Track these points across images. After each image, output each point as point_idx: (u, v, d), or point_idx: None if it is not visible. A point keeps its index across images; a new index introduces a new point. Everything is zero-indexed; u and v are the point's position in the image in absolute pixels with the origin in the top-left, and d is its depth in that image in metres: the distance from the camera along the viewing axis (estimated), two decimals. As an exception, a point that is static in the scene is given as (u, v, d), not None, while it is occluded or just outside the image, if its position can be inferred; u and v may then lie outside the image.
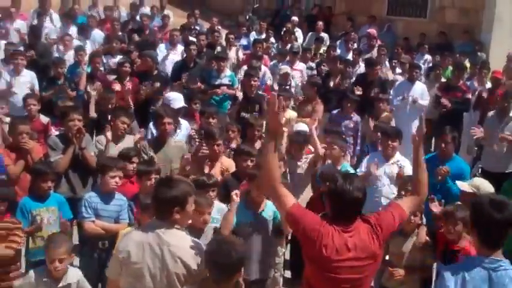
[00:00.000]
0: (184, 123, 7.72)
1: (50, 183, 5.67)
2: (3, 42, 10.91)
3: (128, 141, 6.82)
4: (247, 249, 3.90)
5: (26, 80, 8.94)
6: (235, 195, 5.17)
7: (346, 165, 6.74)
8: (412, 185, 4.33)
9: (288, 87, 10.40)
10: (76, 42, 11.36)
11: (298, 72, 11.28)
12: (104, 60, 10.53)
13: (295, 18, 15.97)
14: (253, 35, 14.21)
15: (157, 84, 9.18)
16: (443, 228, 5.18)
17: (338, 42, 14.08)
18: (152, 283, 3.65)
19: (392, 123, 8.75)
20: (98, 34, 12.58)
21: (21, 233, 5.23)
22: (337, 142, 6.72)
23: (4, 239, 5.09)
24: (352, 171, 6.43)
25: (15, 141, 6.34)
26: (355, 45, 13.40)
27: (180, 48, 11.60)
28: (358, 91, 9.41)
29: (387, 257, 5.41)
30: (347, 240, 3.67)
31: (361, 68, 11.55)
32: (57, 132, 7.11)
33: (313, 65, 12.03)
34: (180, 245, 3.68)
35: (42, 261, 5.39)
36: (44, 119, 7.72)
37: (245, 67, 10.82)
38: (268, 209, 5.43)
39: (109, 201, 5.57)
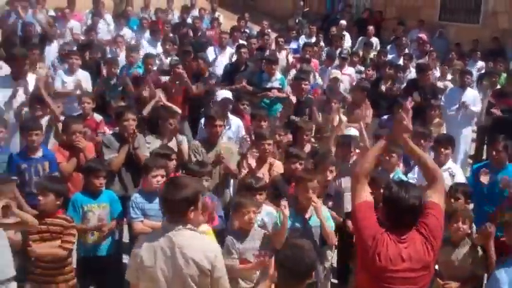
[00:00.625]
0: (235, 120, 7.72)
1: (102, 180, 5.74)
2: (60, 41, 11.21)
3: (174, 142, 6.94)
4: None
5: (78, 80, 9.08)
6: (284, 207, 5.11)
7: (398, 172, 6.62)
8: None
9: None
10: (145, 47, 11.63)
11: (347, 77, 11.20)
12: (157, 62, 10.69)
13: (343, 22, 15.90)
14: (302, 39, 14.20)
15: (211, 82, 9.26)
16: (506, 237, 5.02)
17: (389, 47, 13.96)
18: (167, 286, 3.66)
19: (443, 130, 8.61)
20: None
21: (74, 231, 5.32)
22: (396, 150, 6.64)
23: (58, 236, 5.18)
24: (404, 178, 6.33)
25: (68, 140, 6.49)
26: (406, 50, 13.26)
27: (229, 51, 11.69)
28: (416, 97, 9.28)
29: (436, 267, 5.32)
30: (401, 251, 3.64)
31: (411, 73, 11.43)
32: (110, 131, 7.20)
33: (362, 69, 11.96)
34: (191, 245, 3.67)
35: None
36: (98, 117, 7.88)
37: (294, 71, 10.84)
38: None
39: (153, 200, 5.59)
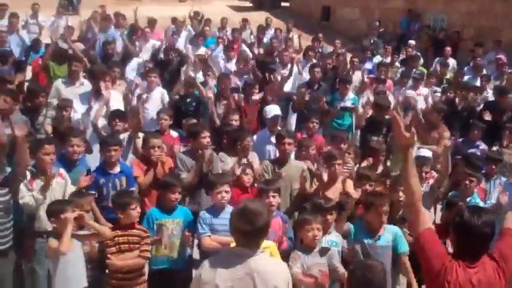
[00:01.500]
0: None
1: (177, 195, 5.89)
2: (139, 60, 11.62)
3: (252, 157, 7.07)
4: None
5: (158, 97, 9.35)
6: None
7: (475, 197, 6.47)
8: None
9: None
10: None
11: (422, 97, 11.05)
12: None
13: (412, 42, 15.68)
14: (377, 59, 14.10)
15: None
16: None
17: (466, 68, 13.67)
18: None
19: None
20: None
21: (149, 240, 5.49)
22: (477, 175, 6.48)
23: (135, 247, 5.36)
24: (481, 204, 6.18)
25: (147, 154, 6.71)
26: (484, 71, 12.94)
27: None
28: (487, 116, 9.07)
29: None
30: (471, 276, 3.55)
31: (489, 94, 11.16)
32: (183, 148, 7.38)
33: (438, 89, 11.76)
34: (269, 271, 3.66)
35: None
36: (174, 133, 8.09)
37: (368, 91, 10.79)
38: (388, 234, 5.39)
39: (220, 215, 5.68)
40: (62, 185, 5.87)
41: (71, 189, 5.92)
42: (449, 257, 3.63)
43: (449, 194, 6.85)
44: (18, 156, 5.49)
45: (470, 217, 3.59)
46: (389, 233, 5.41)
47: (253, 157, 7.11)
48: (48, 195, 5.64)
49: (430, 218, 3.89)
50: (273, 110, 8.06)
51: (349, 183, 6.55)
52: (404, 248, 5.42)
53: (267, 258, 3.76)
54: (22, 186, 5.60)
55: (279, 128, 7.92)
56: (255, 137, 8.15)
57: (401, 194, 5.97)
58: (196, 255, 6.29)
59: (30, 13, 14.49)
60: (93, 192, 6.03)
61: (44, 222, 5.51)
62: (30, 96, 8.08)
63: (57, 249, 4.85)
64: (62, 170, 6.02)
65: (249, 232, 3.64)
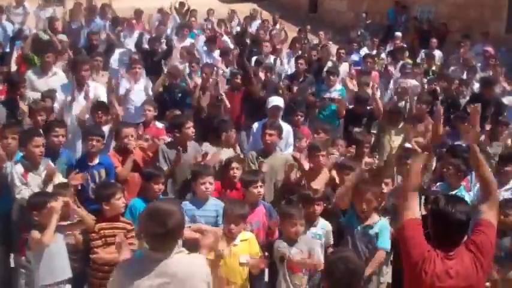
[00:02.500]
0: (285, 126, 7.65)
1: (161, 186, 5.87)
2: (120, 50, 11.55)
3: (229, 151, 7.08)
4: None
5: (142, 88, 9.32)
6: None
7: (462, 189, 6.48)
8: (482, 187, 4.03)
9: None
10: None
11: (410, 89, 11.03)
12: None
13: (398, 34, 15.69)
14: (364, 51, 14.10)
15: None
16: None
17: (452, 60, 13.69)
18: None
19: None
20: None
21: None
22: (462, 166, 6.49)
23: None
24: (467, 196, 6.16)
25: (121, 144, 6.65)
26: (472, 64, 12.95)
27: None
28: (474, 107, 9.05)
29: (488, 284, 5.15)
30: (449, 267, 3.57)
31: (475, 86, 11.18)
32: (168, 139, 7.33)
33: (424, 81, 11.76)
34: (187, 273, 3.51)
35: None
36: (159, 124, 8.04)
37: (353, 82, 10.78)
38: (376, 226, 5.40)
39: (203, 207, 5.68)
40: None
41: (59, 180, 5.87)
42: (428, 247, 3.64)
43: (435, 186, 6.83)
44: None
45: (445, 205, 3.61)
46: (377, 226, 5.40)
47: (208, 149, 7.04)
48: (37, 187, 5.60)
49: (416, 209, 3.85)
50: (274, 101, 7.99)
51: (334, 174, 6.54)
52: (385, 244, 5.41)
53: (182, 260, 3.52)
54: (17, 181, 5.57)
55: (280, 120, 7.82)
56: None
57: (383, 185, 5.97)
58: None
59: (13, 3, 14.29)
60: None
61: None
62: (11, 87, 8.01)
63: (40, 240, 4.80)
64: (49, 162, 5.96)
65: (161, 234, 3.42)
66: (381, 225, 5.40)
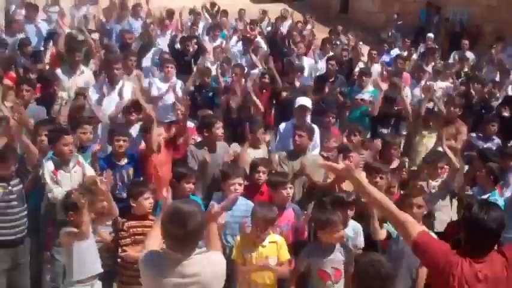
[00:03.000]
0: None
1: (191, 185, 5.90)
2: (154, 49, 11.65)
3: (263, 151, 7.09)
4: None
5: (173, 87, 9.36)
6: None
7: (495, 194, 6.34)
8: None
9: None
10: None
11: (440, 90, 10.95)
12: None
13: (431, 35, 15.53)
14: (395, 52, 14.00)
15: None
16: None
17: (485, 62, 13.52)
18: None
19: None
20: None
21: None
22: (491, 168, 6.41)
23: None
24: (500, 200, 6.05)
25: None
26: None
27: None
28: (506, 112, 8.96)
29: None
30: (478, 271, 3.47)
31: (508, 89, 11.03)
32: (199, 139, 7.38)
33: (456, 83, 11.65)
34: (208, 274, 3.53)
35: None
36: (190, 124, 8.09)
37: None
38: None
39: (232, 207, 5.59)
40: (80, 173, 5.91)
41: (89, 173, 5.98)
42: (452, 251, 3.55)
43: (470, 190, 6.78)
44: (26, 147, 5.64)
45: (479, 211, 3.52)
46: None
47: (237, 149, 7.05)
48: (68, 185, 5.67)
49: (415, 222, 3.74)
50: (301, 101, 7.97)
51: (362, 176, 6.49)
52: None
53: (203, 260, 3.53)
54: (47, 178, 5.66)
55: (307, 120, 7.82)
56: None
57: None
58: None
59: (49, 2, 14.54)
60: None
61: None
62: (45, 86, 8.12)
63: (80, 232, 4.86)
64: (80, 158, 6.06)
65: (181, 236, 3.41)
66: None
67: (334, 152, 6.93)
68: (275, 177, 6.01)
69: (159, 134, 6.80)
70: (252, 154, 6.92)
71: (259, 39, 13.70)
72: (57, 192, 5.61)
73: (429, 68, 12.22)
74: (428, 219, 6.01)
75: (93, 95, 7.85)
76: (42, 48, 12.81)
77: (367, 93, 9.67)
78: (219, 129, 6.89)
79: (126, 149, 6.55)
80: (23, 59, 10.36)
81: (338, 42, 14.11)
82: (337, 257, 5.05)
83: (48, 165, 5.76)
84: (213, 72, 10.22)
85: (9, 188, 5.41)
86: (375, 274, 3.51)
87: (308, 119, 7.74)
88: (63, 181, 5.75)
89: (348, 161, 6.34)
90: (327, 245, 5.06)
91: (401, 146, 8.29)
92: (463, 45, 14.71)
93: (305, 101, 7.89)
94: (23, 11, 13.25)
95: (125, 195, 6.16)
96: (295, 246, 5.52)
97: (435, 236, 3.82)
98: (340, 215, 5.17)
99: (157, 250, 3.62)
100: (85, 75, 8.91)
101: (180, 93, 9.18)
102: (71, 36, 10.28)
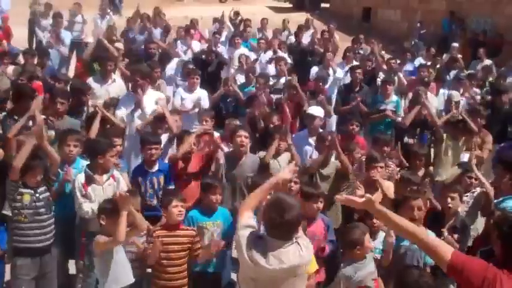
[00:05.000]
0: None
1: (218, 197, 5.88)
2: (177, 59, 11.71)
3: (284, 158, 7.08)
4: None
5: (197, 98, 9.45)
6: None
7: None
8: None
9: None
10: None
11: (464, 99, 10.86)
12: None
13: (455, 45, 15.42)
14: (419, 61, 13.91)
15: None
16: None
17: (507, 71, 13.38)
18: None
19: None
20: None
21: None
22: None
23: (184, 247, 5.37)
24: None
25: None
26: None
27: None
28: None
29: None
30: None
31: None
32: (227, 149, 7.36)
33: (478, 92, 11.56)
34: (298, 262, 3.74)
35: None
36: (216, 134, 8.10)
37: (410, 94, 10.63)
38: None
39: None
40: (113, 187, 5.86)
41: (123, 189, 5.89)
42: (489, 266, 3.45)
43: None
44: (49, 156, 5.66)
45: None
46: None
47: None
48: (101, 198, 5.60)
49: (445, 244, 3.67)
50: (313, 110, 8.00)
51: (391, 187, 6.46)
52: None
53: (296, 250, 3.75)
54: (77, 191, 5.68)
55: (320, 130, 7.84)
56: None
57: (449, 200, 5.81)
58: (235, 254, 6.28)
59: (74, 12, 14.69)
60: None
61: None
62: (75, 95, 8.13)
63: (113, 239, 4.87)
64: (116, 172, 6.05)
65: (277, 224, 3.68)
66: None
67: (359, 161, 6.92)
68: (308, 188, 5.94)
69: (188, 142, 6.82)
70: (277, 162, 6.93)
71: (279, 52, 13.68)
72: (86, 207, 5.64)
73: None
74: (462, 234, 5.85)
75: (120, 112, 7.92)
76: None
77: (390, 104, 9.61)
78: (241, 137, 6.86)
79: (158, 157, 6.61)
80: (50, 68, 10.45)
81: (361, 51, 14.04)
82: (371, 267, 5.02)
83: (79, 179, 5.76)
84: (239, 81, 10.25)
85: (37, 195, 5.45)
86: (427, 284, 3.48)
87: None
88: (92, 194, 5.72)
89: (375, 171, 6.35)
90: (359, 259, 5.01)
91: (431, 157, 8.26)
92: (480, 54, 14.61)
93: (314, 110, 8.00)
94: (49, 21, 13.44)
95: (155, 202, 6.28)
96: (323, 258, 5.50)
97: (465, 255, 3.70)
98: (366, 227, 5.14)
99: (260, 233, 3.86)
100: (116, 84, 8.97)
101: (207, 105, 9.20)
102: (100, 45, 10.36)
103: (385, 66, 12.11)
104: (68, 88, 8.73)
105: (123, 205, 4.88)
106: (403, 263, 5.04)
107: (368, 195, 3.79)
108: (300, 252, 3.74)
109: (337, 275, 5.08)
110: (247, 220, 3.92)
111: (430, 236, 3.70)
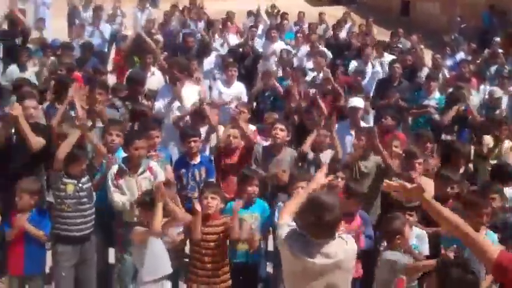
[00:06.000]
0: None
1: (255, 188, 5.87)
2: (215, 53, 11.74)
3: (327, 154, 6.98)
4: None
5: (235, 91, 9.46)
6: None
7: None
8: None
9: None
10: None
11: (507, 96, 10.65)
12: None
13: (497, 39, 15.10)
14: (460, 56, 13.67)
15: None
16: None
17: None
18: None
19: None
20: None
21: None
22: None
23: (220, 237, 5.40)
24: None
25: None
26: None
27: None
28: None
29: None
30: None
31: None
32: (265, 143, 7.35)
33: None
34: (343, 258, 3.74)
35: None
36: (252, 127, 8.11)
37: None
38: None
39: None
40: (150, 180, 5.85)
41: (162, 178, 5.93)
42: None
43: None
44: (95, 148, 5.80)
45: None
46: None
47: None
48: (136, 192, 5.70)
49: (489, 241, 3.70)
50: (354, 101, 7.96)
51: (430, 184, 6.38)
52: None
53: (340, 244, 3.74)
54: (109, 182, 5.73)
55: (361, 121, 7.79)
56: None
57: (491, 201, 5.67)
58: (270, 247, 6.31)
59: (114, 5, 14.88)
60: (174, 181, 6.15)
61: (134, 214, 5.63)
62: (133, 85, 8.20)
63: (151, 230, 4.95)
64: (153, 164, 6.05)
65: (316, 225, 3.66)
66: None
67: (398, 157, 6.84)
68: (354, 185, 5.93)
69: (228, 134, 6.86)
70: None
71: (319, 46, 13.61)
72: (117, 199, 5.68)
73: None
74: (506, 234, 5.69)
75: (159, 103, 7.98)
76: (105, 50, 13.12)
77: (433, 100, 9.47)
78: (276, 130, 6.82)
79: (198, 149, 6.66)
80: (94, 61, 10.59)
81: (400, 46, 13.88)
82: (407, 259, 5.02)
83: (113, 169, 5.80)
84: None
85: (80, 185, 5.52)
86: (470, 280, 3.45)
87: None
88: (128, 187, 5.74)
89: (413, 167, 6.28)
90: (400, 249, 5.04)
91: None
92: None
93: (357, 101, 7.95)
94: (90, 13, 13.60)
95: (196, 194, 6.27)
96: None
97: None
98: (404, 219, 5.15)
99: (300, 232, 3.78)
100: (155, 77, 9.05)
101: (245, 98, 9.26)
102: (140, 38, 10.44)
103: (429, 62, 11.94)
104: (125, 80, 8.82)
105: (158, 196, 4.93)
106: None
107: (419, 182, 3.76)
108: (345, 247, 3.74)
109: (379, 258, 5.12)
110: (287, 220, 3.91)
111: (477, 233, 3.61)
